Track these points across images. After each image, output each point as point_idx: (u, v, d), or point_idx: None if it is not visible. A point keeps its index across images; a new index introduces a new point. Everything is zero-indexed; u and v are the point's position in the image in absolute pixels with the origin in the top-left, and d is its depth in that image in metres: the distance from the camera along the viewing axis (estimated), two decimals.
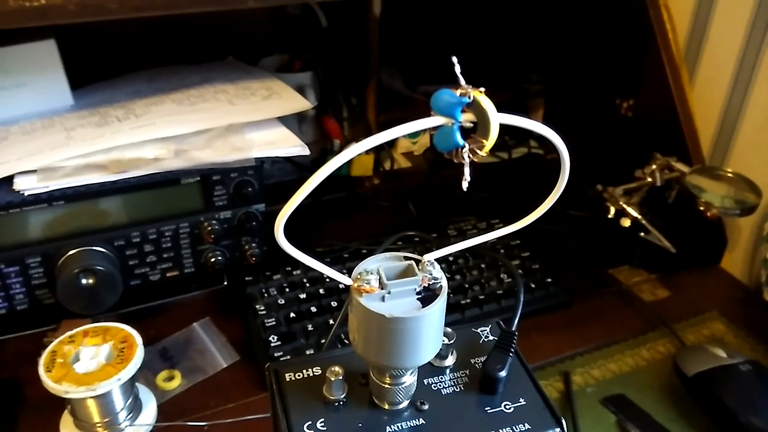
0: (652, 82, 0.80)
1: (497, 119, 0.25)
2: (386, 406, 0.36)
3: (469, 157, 0.25)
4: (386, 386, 0.35)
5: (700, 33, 0.77)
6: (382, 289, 0.32)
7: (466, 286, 0.70)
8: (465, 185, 0.25)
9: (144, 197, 0.63)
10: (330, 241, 0.77)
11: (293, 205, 0.27)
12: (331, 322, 0.64)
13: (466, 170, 0.25)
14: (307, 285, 0.69)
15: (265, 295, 0.68)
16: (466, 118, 0.25)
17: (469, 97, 0.25)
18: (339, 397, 0.36)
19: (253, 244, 0.69)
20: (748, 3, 0.71)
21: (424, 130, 0.26)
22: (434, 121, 0.25)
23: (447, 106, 0.25)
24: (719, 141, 0.78)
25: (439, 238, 0.76)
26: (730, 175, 0.73)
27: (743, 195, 0.71)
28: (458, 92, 0.25)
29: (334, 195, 0.88)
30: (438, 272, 0.33)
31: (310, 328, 0.64)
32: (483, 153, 0.25)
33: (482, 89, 0.25)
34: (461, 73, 0.24)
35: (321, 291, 0.68)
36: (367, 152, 0.91)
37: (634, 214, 0.77)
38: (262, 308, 0.66)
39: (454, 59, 0.24)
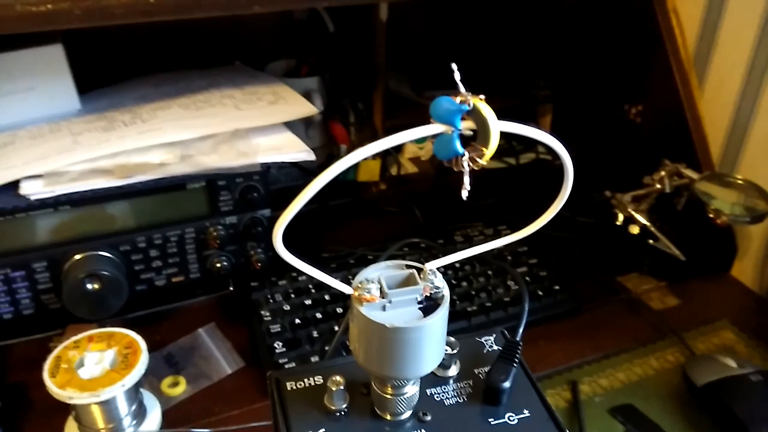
0: (661, 87, 0.79)
1: (498, 127, 0.24)
2: (388, 417, 0.35)
3: (468, 165, 0.25)
4: (388, 397, 0.34)
5: (710, 38, 0.76)
6: (383, 298, 0.31)
7: (473, 293, 0.69)
8: (464, 194, 0.25)
9: (150, 202, 0.63)
10: (336, 246, 0.77)
11: (292, 212, 0.26)
12: (337, 328, 0.64)
13: (466, 179, 0.25)
14: (313, 291, 0.69)
15: (271, 301, 0.68)
16: (466, 126, 0.25)
17: (469, 105, 0.24)
18: (340, 407, 0.35)
19: (259, 250, 0.69)
20: (758, 8, 0.70)
21: (429, 137, 0.26)
22: (433, 128, 0.25)
23: (446, 114, 0.24)
24: (729, 147, 0.77)
25: (446, 244, 0.76)
26: (740, 182, 0.72)
27: (753, 202, 0.70)
28: (458, 99, 0.24)
29: (340, 200, 0.88)
30: (440, 281, 0.32)
31: (315, 334, 0.64)
32: (483, 162, 0.25)
33: (482, 96, 0.24)
34: (461, 80, 0.24)
35: (327, 297, 0.68)
36: (374, 157, 0.90)
37: (643, 221, 0.76)
38: (268, 314, 0.66)
39: (454, 66, 0.24)
